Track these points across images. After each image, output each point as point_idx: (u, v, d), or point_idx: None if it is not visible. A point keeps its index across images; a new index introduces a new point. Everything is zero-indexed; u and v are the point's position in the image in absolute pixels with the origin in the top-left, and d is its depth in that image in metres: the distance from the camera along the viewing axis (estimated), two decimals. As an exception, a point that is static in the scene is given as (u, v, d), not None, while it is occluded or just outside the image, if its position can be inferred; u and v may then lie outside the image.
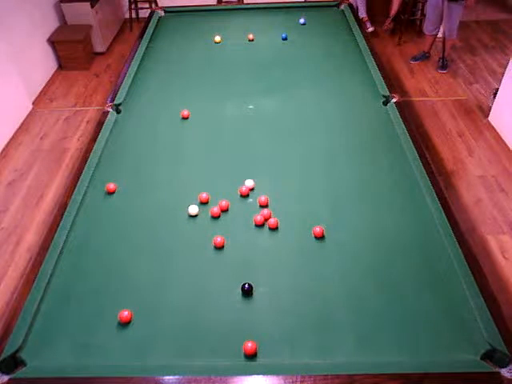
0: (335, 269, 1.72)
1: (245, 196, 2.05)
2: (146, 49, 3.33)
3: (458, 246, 1.74)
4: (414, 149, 2.24)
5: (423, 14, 5.13)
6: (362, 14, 5.07)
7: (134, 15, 5.68)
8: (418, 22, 5.39)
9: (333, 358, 1.44)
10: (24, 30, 4.30)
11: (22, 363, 1.45)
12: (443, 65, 4.61)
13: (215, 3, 5.39)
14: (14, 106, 4.07)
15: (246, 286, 1.63)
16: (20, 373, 1.42)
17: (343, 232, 1.86)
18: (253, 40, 3.42)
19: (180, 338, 1.52)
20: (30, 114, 4.24)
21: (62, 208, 1.99)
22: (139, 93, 2.84)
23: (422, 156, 2.19)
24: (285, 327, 1.54)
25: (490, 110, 3.88)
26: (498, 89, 3.77)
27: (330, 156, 2.29)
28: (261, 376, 1.38)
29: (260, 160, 2.28)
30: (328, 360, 1.43)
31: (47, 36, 4.75)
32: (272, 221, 1.89)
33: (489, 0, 5.87)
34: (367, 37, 3.36)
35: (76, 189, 2.09)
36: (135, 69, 3.06)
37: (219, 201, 1.99)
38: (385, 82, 2.78)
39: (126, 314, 1.55)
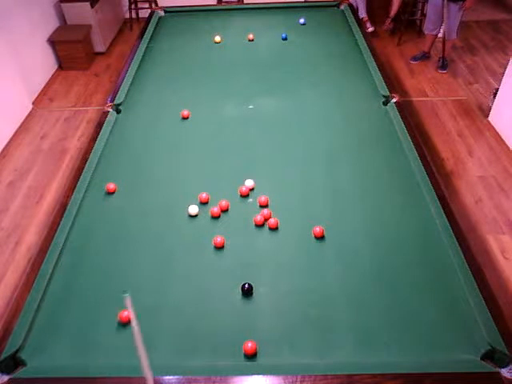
0: (335, 269, 1.72)
1: (245, 196, 2.05)
2: (146, 49, 3.32)
3: (457, 245, 1.74)
4: (413, 149, 2.24)
5: (423, 14, 5.13)
6: (362, 14, 5.06)
7: (134, 15, 5.68)
8: (418, 22, 5.38)
9: (333, 357, 1.44)
10: (24, 30, 4.30)
11: (22, 363, 1.45)
12: (443, 65, 4.61)
13: (215, 3, 5.39)
14: (14, 106, 4.07)
15: (246, 286, 1.63)
16: (20, 373, 1.42)
17: (343, 232, 1.86)
18: (253, 40, 3.42)
19: (180, 337, 1.52)
20: (30, 114, 4.23)
21: (62, 208, 1.99)
22: (139, 93, 2.84)
23: (421, 156, 2.19)
24: (285, 327, 1.54)
25: (489, 110, 3.88)
26: (497, 89, 3.76)
27: (329, 156, 2.29)
28: (261, 376, 1.38)
29: (260, 160, 2.28)
30: (328, 360, 1.43)
31: (47, 36, 4.75)
32: (272, 221, 1.89)
33: (489, 0, 5.87)
34: (367, 37, 3.36)
35: (76, 189, 2.09)
36: (135, 69, 3.06)
37: (219, 201, 1.99)
38: (385, 82, 2.78)
39: (126, 314, 1.55)
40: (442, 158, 3.49)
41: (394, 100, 2.60)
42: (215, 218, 1.95)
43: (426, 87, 4.38)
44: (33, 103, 4.37)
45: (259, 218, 1.91)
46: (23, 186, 3.41)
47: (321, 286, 1.66)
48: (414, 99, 4.20)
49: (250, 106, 2.69)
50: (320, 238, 1.83)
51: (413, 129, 2.40)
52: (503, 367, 1.37)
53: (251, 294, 1.63)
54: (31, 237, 2.99)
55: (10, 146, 3.84)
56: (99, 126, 2.51)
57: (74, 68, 4.90)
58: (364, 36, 3.34)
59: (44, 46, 4.71)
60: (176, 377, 1.39)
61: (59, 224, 1.91)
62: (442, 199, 1.95)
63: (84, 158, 2.27)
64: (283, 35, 3.40)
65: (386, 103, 2.63)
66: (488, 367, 1.39)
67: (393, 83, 2.87)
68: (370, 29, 5.15)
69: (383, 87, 2.74)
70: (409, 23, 5.26)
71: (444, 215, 1.87)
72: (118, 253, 1.82)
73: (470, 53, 4.92)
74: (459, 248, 1.73)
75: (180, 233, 1.90)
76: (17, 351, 1.47)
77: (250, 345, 1.44)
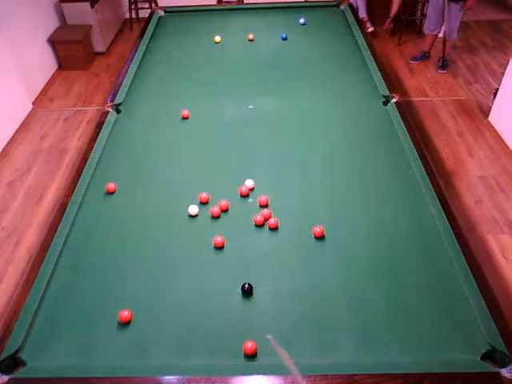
0: (335, 269, 1.72)
1: (245, 196, 2.05)
2: (146, 49, 3.32)
3: (458, 246, 1.74)
4: (413, 149, 2.24)
5: (423, 14, 5.13)
6: (362, 14, 5.06)
7: (134, 15, 5.68)
8: (418, 22, 5.39)
9: (333, 358, 1.44)
10: (24, 30, 4.29)
11: (22, 363, 1.45)
12: (443, 65, 4.61)
13: (215, 3, 5.39)
14: (14, 106, 4.07)
15: (246, 286, 1.63)
16: (20, 373, 1.42)
17: (343, 232, 1.86)
18: (253, 40, 3.41)
19: (180, 337, 1.52)
20: (30, 114, 4.24)
21: (61, 208, 1.99)
22: (139, 93, 2.84)
23: (421, 156, 2.19)
24: (285, 327, 1.54)
25: (489, 110, 3.88)
26: (497, 89, 3.77)
27: (329, 156, 2.29)
28: (261, 376, 1.38)
29: (260, 160, 2.28)
30: (328, 360, 1.43)
31: (47, 36, 4.75)
32: (272, 221, 1.89)
33: (489, 0, 5.87)
34: (367, 37, 3.36)
35: (76, 189, 2.08)
36: (135, 69, 3.06)
37: (219, 201, 1.99)
38: (385, 82, 2.78)
39: (126, 313, 1.55)
40: (442, 158, 3.49)
41: (394, 100, 2.60)
42: (215, 218, 1.95)
43: (426, 87, 4.38)
44: (33, 103, 4.37)
45: (259, 217, 1.91)
46: (23, 186, 3.41)
47: (321, 286, 1.66)
48: (413, 99, 4.20)
49: (250, 106, 2.69)
50: (320, 237, 1.83)
51: (413, 129, 2.40)
52: (503, 367, 1.37)
53: (251, 293, 1.63)
54: (31, 237, 2.99)
55: (10, 145, 3.84)
56: (99, 126, 2.50)
57: (73, 68, 4.90)
58: (364, 36, 3.34)
59: (44, 46, 4.71)
60: (176, 377, 1.39)
61: (59, 224, 1.91)
62: (441, 199, 1.95)
63: (84, 158, 2.27)
64: (283, 35, 3.40)
65: (386, 103, 2.63)
66: (488, 367, 1.38)
67: (393, 83, 2.87)
68: (370, 29, 5.14)
69: (383, 87, 2.74)
70: (409, 23, 5.27)
71: (444, 215, 1.87)
72: (117, 253, 1.82)
73: (470, 53, 4.92)
74: (459, 248, 1.73)
75: (180, 233, 1.90)
76: (17, 351, 1.47)
77: (249, 345, 1.44)
